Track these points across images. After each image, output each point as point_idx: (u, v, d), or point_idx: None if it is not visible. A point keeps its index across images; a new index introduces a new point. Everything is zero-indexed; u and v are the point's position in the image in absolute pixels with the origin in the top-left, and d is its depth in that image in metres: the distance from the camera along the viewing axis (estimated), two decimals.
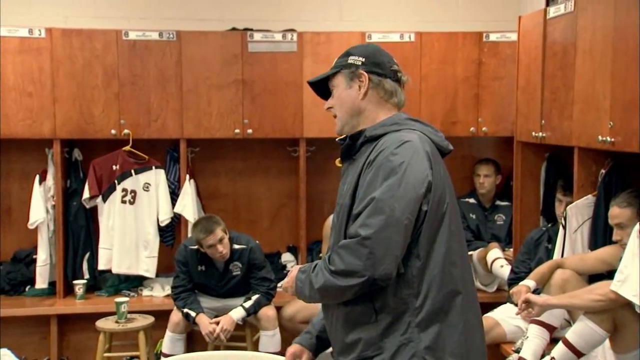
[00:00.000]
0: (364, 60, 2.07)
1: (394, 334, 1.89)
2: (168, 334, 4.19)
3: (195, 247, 4.17)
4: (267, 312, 4.20)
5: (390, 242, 1.82)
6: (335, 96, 2.11)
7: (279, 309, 4.33)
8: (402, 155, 1.88)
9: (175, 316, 4.18)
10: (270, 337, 4.17)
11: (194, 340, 4.61)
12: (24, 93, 4.48)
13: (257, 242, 4.35)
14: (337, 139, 2.14)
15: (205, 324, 4.09)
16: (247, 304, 4.15)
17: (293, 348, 2.24)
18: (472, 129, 4.84)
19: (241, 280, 4.25)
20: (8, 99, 4.46)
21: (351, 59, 2.08)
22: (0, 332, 4.42)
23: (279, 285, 4.66)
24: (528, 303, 3.19)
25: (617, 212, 3.16)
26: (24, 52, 4.47)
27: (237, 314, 4.13)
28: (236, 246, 4.21)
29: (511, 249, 4.54)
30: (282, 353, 4.17)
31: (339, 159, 2.12)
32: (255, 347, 4.27)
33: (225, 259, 4.16)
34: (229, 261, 4.21)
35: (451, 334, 1.91)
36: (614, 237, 3.20)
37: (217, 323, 4.08)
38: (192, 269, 4.22)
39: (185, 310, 4.13)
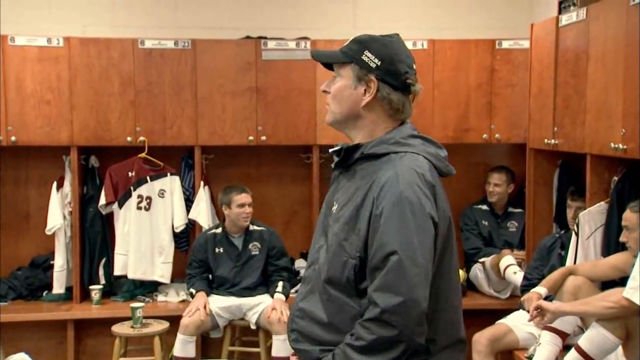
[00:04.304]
0: (379, 64, 1.83)
1: None
2: (179, 336, 4.24)
3: (213, 230, 4.38)
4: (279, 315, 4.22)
5: (422, 299, 1.69)
6: (336, 86, 1.88)
7: None
8: (412, 197, 1.72)
9: (185, 319, 4.23)
10: (282, 342, 4.17)
11: (208, 344, 4.65)
12: (42, 101, 4.55)
13: None
14: (330, 150, 1.97)
15: (199, 299, 4.24)
16: (279, 288, 4.31)
17: None
18: (484, 135, 4.84)
19: (257, 265, 4.38)
20: (27, 106, 4.54)
21: (366, 56, 1.83)
22: (19, 336, 4.49)
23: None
24: (540, 310, 3.20)
25: (627, 215, 3.18)
26: (43, 60, 4.54)
27: (279, 296, 4.28)
28: (256, 227, 4.45)
29: (523, 251, 4.57)
30: None
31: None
32: (268, 352, 4.29)
33: (248, 222, 4.37)
34: (248, 240, 4.40)
35: None
36: (621, 238, 3.21)
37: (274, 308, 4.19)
38: (210, 254, 4.39)
39: (190, 289, 4.34)
